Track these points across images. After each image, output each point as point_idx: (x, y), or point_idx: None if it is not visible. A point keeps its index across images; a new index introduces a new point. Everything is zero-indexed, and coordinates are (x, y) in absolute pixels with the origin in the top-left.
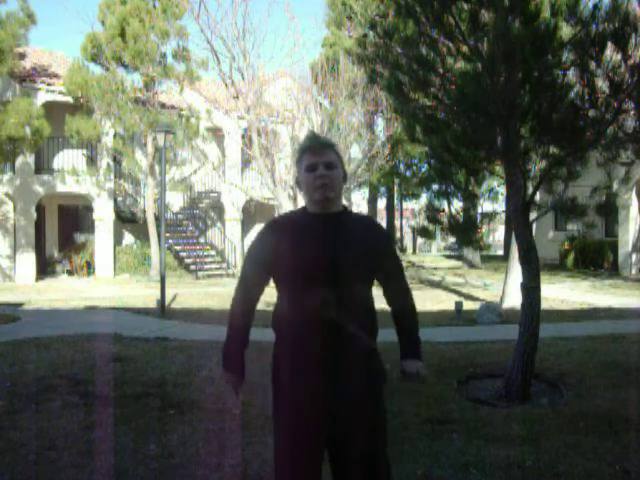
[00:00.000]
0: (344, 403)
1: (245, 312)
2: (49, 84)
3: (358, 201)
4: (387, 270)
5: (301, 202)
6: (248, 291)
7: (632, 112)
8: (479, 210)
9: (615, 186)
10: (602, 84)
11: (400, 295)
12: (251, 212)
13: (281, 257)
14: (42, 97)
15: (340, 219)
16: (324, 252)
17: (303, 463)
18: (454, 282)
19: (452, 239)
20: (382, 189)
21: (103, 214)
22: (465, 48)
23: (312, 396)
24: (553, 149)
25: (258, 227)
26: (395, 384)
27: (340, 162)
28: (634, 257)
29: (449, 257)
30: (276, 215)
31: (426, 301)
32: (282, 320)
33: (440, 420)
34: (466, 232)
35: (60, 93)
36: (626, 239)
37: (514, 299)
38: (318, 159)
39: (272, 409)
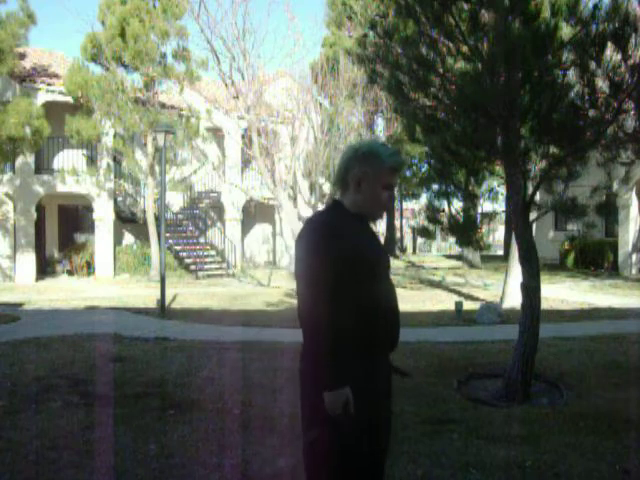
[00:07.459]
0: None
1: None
2: (49, 84)
3: None
4: None
5: (301, 202)
6: (346, 295)
7: (632, 112)
8: (479, 210)
9: (615, 186)
10: (602, 84)
11: None
12: (251, 212)
13: (354, 256)
14: (42, 97)
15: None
16: (382, 250)
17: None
18: (454, 282)
19: (452, 240)
20: None
21: (103, 214)
22: (465, 48)
23: (383, 391)
24: (553, 149)
25: (258, 227)
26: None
27: None
28: (634, 257)
29: (449, 257)
30: (313, 216)
31: (426, 301)
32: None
33: (440, 420)
34: (466, 232)
35: (60, 93)
36: (626, 239)
37: (514, 299)
38: (395, 181)
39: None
